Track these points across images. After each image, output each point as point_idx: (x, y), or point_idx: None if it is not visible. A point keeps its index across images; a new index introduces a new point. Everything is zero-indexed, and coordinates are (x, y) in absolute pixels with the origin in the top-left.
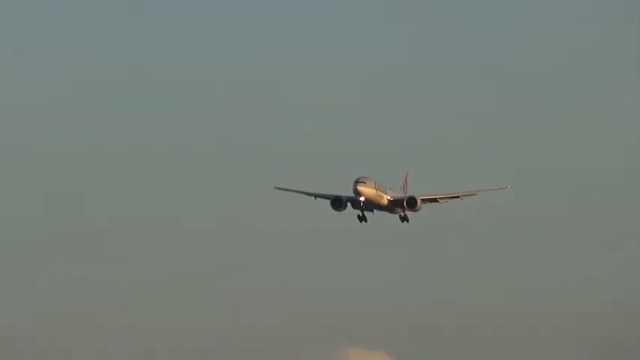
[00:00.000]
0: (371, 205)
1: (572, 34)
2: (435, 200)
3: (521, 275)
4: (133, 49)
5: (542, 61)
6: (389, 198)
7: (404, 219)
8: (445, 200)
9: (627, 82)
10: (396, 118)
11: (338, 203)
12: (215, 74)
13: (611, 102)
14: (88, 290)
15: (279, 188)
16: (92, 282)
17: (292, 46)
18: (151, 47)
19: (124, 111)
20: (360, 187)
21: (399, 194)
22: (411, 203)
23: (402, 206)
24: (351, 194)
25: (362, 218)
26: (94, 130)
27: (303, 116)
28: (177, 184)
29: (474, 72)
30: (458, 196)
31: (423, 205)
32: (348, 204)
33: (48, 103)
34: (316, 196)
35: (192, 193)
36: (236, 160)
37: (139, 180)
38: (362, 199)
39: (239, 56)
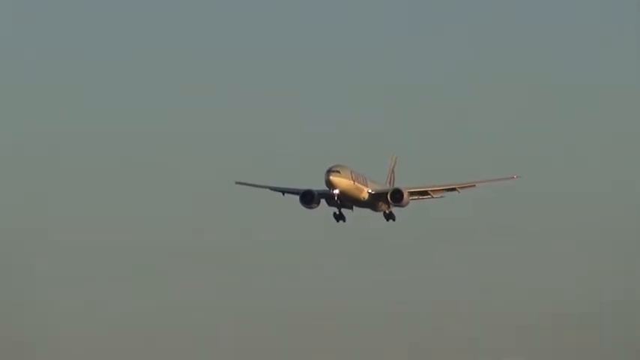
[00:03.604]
0: (348, 200)
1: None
2: (426, 193)
3: (530, 278)
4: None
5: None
6: (370, 191)
7: (389, 217)
8: (439, 193)
9: None
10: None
11: (309, 198)
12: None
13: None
14: None
15: (240, 183)
16: None
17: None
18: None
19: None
20: (334, 178)
21: (383, 187)
22: (396, 197)
23: (386, 201)
24: (325, 188)
25: (339, 217)
26: None
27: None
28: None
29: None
30: (454, 189)
31: (411, 199)
32: (322, 200)
33: None
34: (284, 191)
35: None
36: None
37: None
38: (336, 192)
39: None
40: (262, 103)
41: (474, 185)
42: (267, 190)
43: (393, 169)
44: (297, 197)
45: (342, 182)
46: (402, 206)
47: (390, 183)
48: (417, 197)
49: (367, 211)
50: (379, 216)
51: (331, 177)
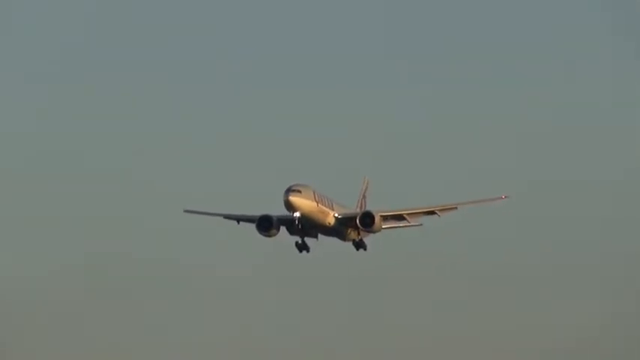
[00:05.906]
0: (311, 225)
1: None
2: (401, 218)
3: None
4: None
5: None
6: (336, 215)
7: (359, 245)
8: (417, 218)
9: None
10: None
11: (267, 225)
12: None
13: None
14: None
15: (189, 211)
16: None
17: None
18: None
19: None
20: (293, 199)
21: (352, 211)
22: (367, 221)
23: (355, 226)
24: (285, 213)
25: (302, 246)
26: None
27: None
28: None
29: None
30: (433, 212)
31: (385, 225)
32: (282, 227)
33: None
34: (239, 219)
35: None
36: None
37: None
38: (297, 215)
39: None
40: (220, 124)
41: (456, 208)
42: (220, 218)
43: (364, 194)
44: (254, 225)
45: (304, 204)
46: (374, 232)
47: (360, 209)
48: (391, 225)
49: (334, 239)
50: (348, 245)
51: (290, 197)
